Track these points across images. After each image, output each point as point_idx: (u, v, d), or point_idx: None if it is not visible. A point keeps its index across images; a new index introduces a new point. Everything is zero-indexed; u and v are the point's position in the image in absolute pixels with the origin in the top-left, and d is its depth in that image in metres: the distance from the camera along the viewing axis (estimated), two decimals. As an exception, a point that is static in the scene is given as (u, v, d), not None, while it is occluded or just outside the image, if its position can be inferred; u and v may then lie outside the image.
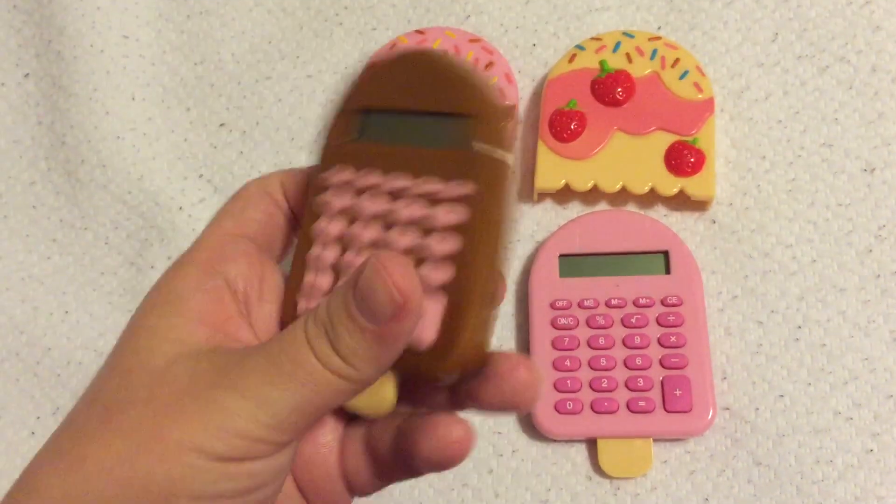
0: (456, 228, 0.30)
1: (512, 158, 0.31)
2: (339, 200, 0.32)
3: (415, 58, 0.33)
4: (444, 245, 0.30)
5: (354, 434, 0.32)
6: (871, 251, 0.53)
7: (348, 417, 0.32)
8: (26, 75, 0.61)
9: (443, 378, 0.30)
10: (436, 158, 0.31)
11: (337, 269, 0.31)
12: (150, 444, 0.26)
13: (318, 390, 0.27)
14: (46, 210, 0.58)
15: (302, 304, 0.31)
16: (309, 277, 0.32)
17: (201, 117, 0.60)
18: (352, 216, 0.32)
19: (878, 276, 0.52)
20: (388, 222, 0.31)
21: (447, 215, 0.30)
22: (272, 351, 0.27)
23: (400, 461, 0.31)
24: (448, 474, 0.51)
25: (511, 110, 0.56)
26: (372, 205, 0.31)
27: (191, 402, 0.26)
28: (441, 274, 0.29)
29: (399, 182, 0.31)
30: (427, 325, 0.29)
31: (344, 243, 0.32)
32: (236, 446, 0.26)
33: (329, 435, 0.32)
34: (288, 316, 0.32)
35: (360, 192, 0.32)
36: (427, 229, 0.30)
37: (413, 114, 0.32)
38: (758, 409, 0.50)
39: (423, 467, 0.30)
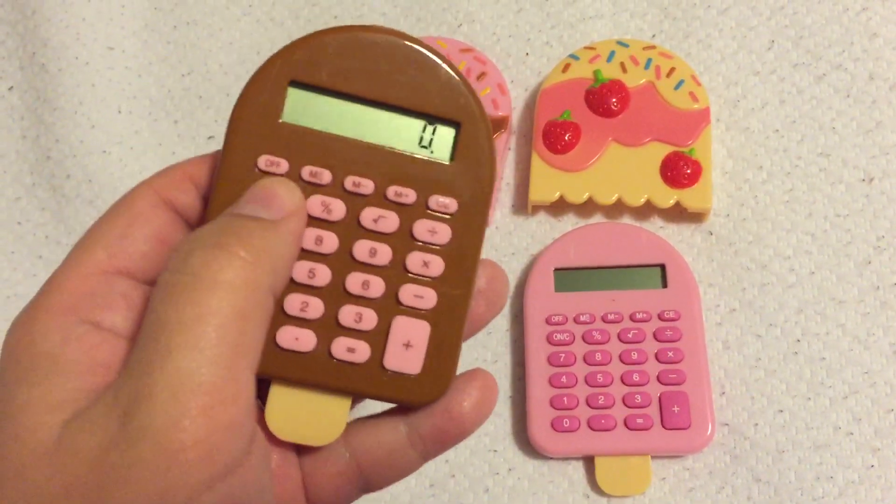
0: (437, 249, 0.28)
1: (494, 175, 0.29)
2: None
3: (380, 37, 0.28)
4: (427, 269, 0.28)
5: (330, 457, 0.29)
6: (870, 262, 0.52)
7: (293, 448, 0.29)
8: (10, 88, 0.60)
9: (422, 406, 0.29)
10: (406, 164, 0.28)
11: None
12: None
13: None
14: (31, 226, 0.57)
15: None
16: None
17: (189, 130, 0.59)
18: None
19: (878, 287, 0.51)
20: (347, 231, 0.28)
21: (431, 235, 0.28)
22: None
23: (437, 440, 0.29)
24: (443, 494, 0.50)
25: (504, 121, 0.55)
26: (326, 209, 0.28)
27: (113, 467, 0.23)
28: (425, 301, 0.28)
29: (362, 184, 0.28)
30: (413, 355, 0.28)
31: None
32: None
33: (276, 457, 0.29)
34: None
35: (303, 188, 0.28)
36: (402, 247, 0.28)
37: (368, 103, 0.28)
38: (757, 424, 0.50)
39: (470, 426, 0.29)
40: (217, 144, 0.59)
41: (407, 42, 0.28)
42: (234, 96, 0.60)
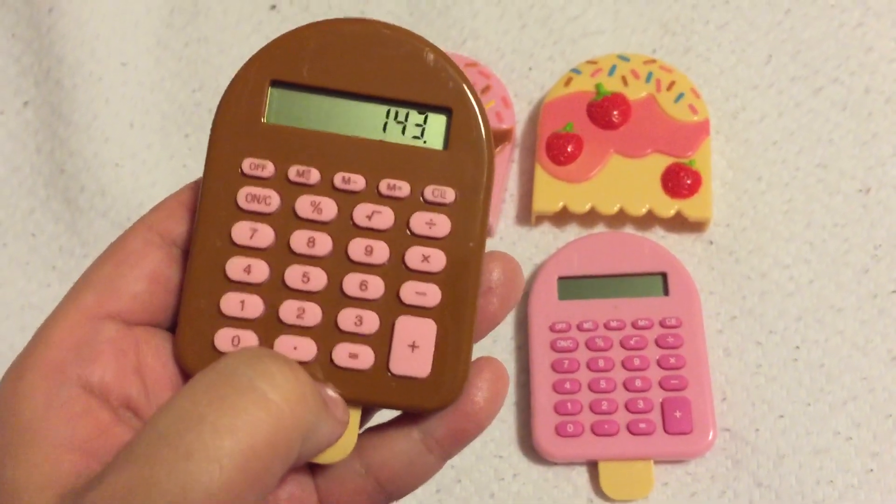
0: (437, 242, 0.27)
1: (493, 160, 0.27)
2: (264, 200, 0.27)
3: (361, 28, 0.27)
4: (428, 264, 0.27)
5: (345, 475, 0.28)
6: (867, 271, 0.53)
7: (307, 470, 0.28)
8: (25, 104, 0.61)
9: (435, 412, 0.27)
10: (397, 155, 0.27)
11: (277, 289, 0.27)
12: None
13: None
14: (46, 238, 0.58)
15: (225, 335, 0.26)
16: (231, 300, 0.27)
17: (200, 143, 0.60)
18: (285, 222, 0.27)
19: (876, 295, 0.52)
20: (341, 231, 0.27)
21: (429, 228, 0.27)
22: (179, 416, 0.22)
23: (454, 440, 0.27)
24: (450, 499, 0.51)
25: (508, 133, 0.56)
26: (316, 209, 0.27)
27: None
28: (428, 297, 0.27)
29: (352, 180, 0.27)
30: (420, 357, 0.27)
31: (279, 256, 0.27)
32: None
33: (289, 486, 0.28)
34: (193, 354, 0.26)
35: (290, 189, 0.27)
36: (400, 243, 0.27)
37: (354, 96, 0.27)
38: (758, 429, 0.50)
39: (485, 420, 0.27)
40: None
41: (390, 31, 0.27)
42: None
